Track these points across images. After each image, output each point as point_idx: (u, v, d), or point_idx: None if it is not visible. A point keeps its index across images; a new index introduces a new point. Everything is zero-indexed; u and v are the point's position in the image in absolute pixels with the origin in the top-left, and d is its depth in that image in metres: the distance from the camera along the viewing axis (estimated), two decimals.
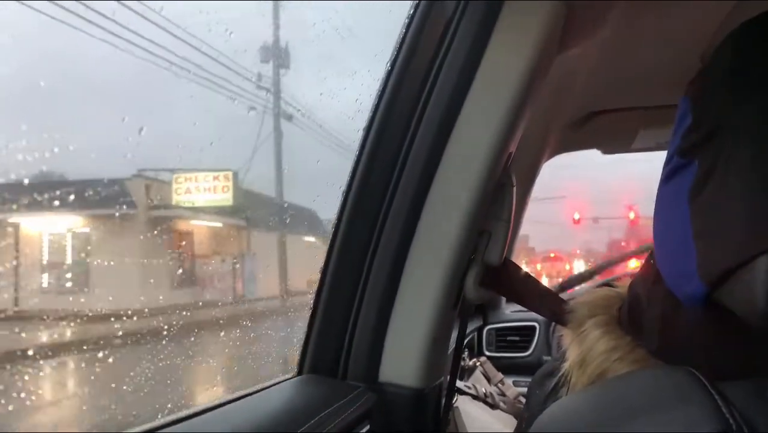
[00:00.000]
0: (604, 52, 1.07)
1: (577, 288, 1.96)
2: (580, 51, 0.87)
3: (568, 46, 0.81)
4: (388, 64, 0.77)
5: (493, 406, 1.09)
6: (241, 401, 0.64)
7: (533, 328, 2.02)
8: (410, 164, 0.74)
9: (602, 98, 1.41)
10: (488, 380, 1.27)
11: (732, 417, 0.35)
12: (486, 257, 0.77)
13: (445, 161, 0.72)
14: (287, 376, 0.77)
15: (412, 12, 0.76)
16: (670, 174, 0.46)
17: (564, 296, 0.79)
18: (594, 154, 1.86)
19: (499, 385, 1.21)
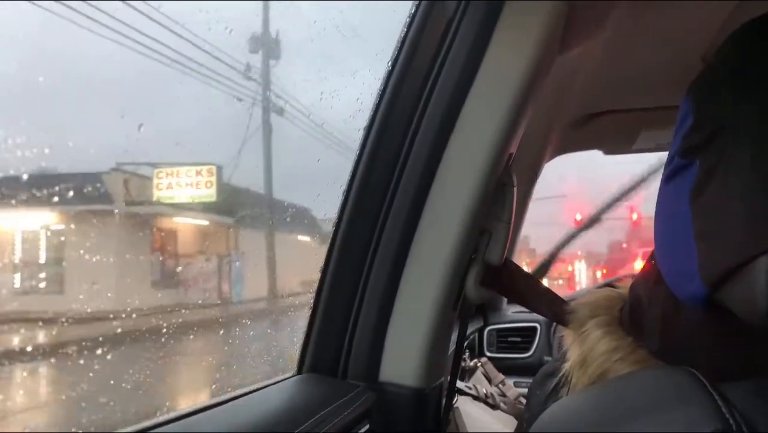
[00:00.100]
0: (605, 52, 1.07)
1: (578, 289, 1.96)
2: (581, 51, 0.87)
3: (570, 46, 0.81)
4: (390, 64, 0.77)
5: (494, 406, 1.09)
6: (240, 400, 0.64)
7: (534, 329, 2.01)
8: (411, 164, 0.74)
9: (604, 99, 1.40)
10: (489, 380, 1.27)
11: (732, 417, 0.35)
12: (487, 257, 0.77)
13: (446, 161, 0.72)
14: (287, 375, 0.77)
15: (413, 11, 0.76)
16: (671, 174, 0.46)
17: (565, 296, 0.79)
18: (595, 154, 1.86)
19: (500, 386, 1.21)
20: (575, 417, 0.45)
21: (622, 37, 1.00)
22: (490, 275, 0.79)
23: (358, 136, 0.78)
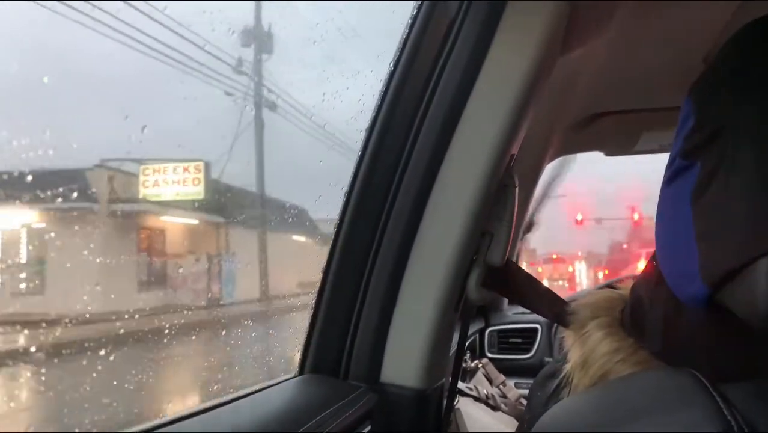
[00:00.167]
0: (607, 53, 1.07)
1: (579, 290, 1.96)
2: (583, 52, 0.87)
3: (572, 47, 0.81)
4: (391, 64, 0.77)
5: (495, 408, 1.09)
6: (242, 400, 0.64)
7: (535, 330, 2.01)
8: (413, 165, 0.74)
9: (605, 100, 1.40)
10: (490, 381, 1.27)
11: (734, 419, 0.35)
12: (488, 258, 0.77)
13: (448, 162, 0.72)
14: (289, 375, 0.77)
15: (415, 12, 0.76)
16: (672, 176, 0.46)
17: (565, 297, 0.79)
18: (597, 154, 1.86)
19: (501, 387, 1.21)
20: (576, 418, 0.45)
21: (624, 38, 1.00)
22: (491, 276, 0.79)
23: (360, 137, 0.78)
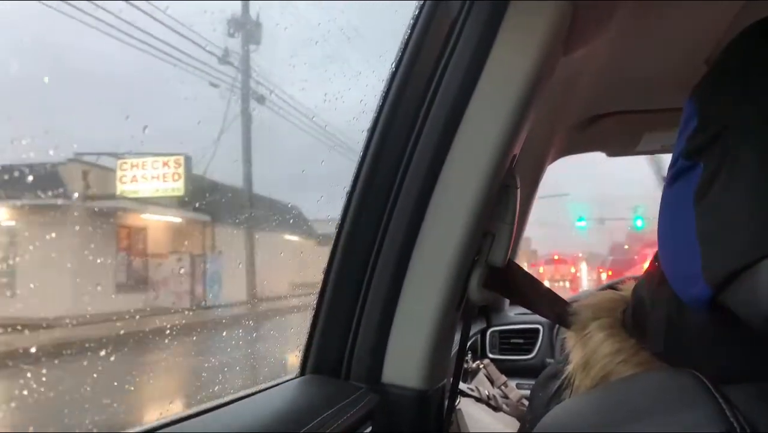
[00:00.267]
0: (609, 53, 1.07)
1: (581, 291, 1.96)
2: (585, 52, 0.87)
3: (574, 47, 0.81)
4: (393, 65, 0.77)
5: (496, 408, 1.09)
6: (243, 401, 0.64)
7: (537, 330, 2.01)
8: (414, 165, 0.74)
9: (607, 100, 1.40)
10: (491, 382, 1.27)
11: (735, 420, 0.35)
12: (490, 259, 0.77)
13: (450, 162, 0.72)
14: (290, 376, 0.77)
15: (417, 12, 0.76)
16: (675, 176, 0.46)
17: (567, 298, 0.79)
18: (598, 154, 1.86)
19: (503, 387, 1.21)
20: (578, 419, 0.45)
21: (626, 39, 1.00)
22: (493, 277, 0.79)
23: (361, 137, 0.78)
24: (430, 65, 0.74)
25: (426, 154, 0.73)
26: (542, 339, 2.00)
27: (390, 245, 0.74)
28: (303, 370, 0.78)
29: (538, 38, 0.69)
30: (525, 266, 0.83)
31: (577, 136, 1.61)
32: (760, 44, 0.42)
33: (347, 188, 0.78)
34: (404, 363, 0.74)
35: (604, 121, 1.50)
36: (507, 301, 2.13)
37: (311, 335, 0.78)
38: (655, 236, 0.50)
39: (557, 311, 0.77)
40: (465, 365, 1.27)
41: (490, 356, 1.99)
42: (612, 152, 1.84)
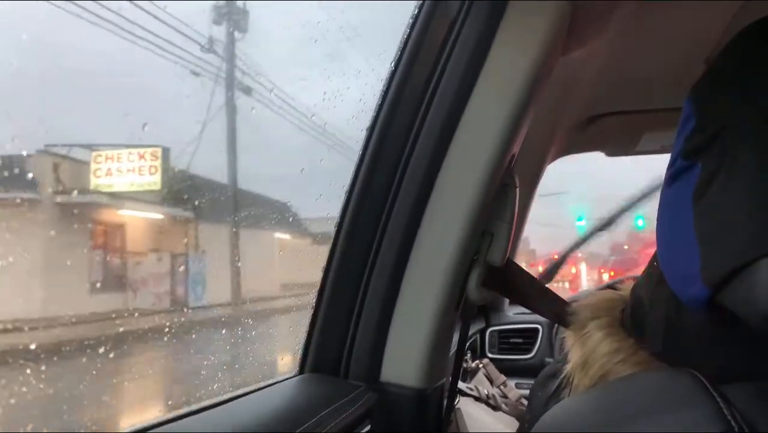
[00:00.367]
0: (609, 53, 1.07)
1: (580, 291, 1.96)
2: (585, 52, 0.87)
3: (573, 47, 0.81)
4: (392, 64, 0.77)
5: (495, 408, 1.09)
6: (242, 399, 0.64)
7: (536, 330, 2.01)
8: (413, 164, 0.74)
9: (607, 100, 1.40)
10: (491, 381, 1.27)
11: (734, 419, 0.35)
12: (489, 258, 0.77)
13: (448, 161, 0.72)
14: (289, 374, 0.77)
15: (416, 12, 0.76)
16: (673, 176, 0.46)
17: (566, 297, 0.79)
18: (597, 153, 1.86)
19: (502, 387, 1.21)
20: (577, 418, 0.45)
21: (625, 39, 1.00)
22: (491, 276, 0.79)
23: (360, 136, 0.78)
24: (429, 65, 0.74)
25: (425, 154, 0.73)
26: (541, 339, 2.00)
27: (389, 244, 0.74)
28: (302, 368, 0.78)
29: (537, 38, 0.69)
30: (523, 267, 0.83)
31: (577, 136, 1.61)
32: (758, 44, 0.42)
33: (346, 187, 0.78)
34: (403, 362, 0.74)
35: (603, 121, 1.50)
36: (506, 300, 2.13)
37: (310, 333, 0.78)
38: (653, 236, 0.50)
39: (556, 310, 0.77)
40: (464, 365, 1.28)
41: (490, 355, 1.99)
42: (611, 152, 1.84)
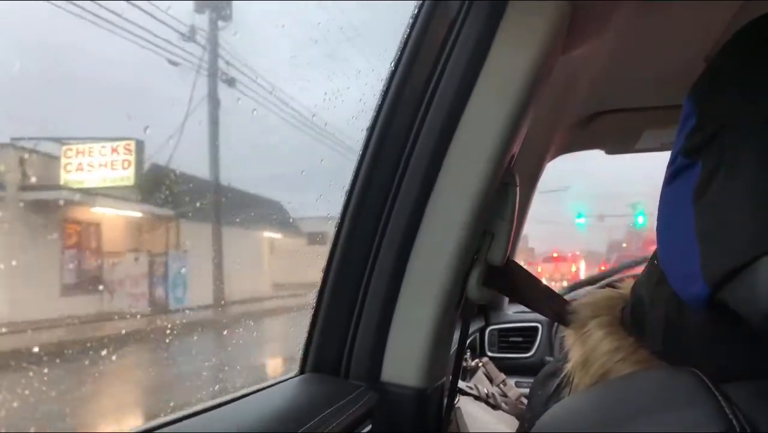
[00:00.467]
0: (609, 52, 1.07)
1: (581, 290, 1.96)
2: (585, 51, 0.87)
3: (573, 46, 0.81)
4: (392, 64, 0.77)
5: (495, 407, 1.09)
6: (243, 400, 0.64)
7: (536, 329, 2.01)
8: (413, 164, 0.74)
9: (607, 98, 1.40)
10: (490, 380, 1.27)
11: (735, 418, 0.35)
12: (489, 257, 0.77)
13: (449, 161, 0.72)
14: (289, 374, 0.77)
15: (416, 12, 0.76)
16: (673, 175, 0.46)
17: (567, 297, 0.79)
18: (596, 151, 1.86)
19: (501, 386, 1.21)
20: (577, 417, 0.45)
21: (625, 37, 1.00)
22: (492, 275, 0.79)
23: (361, 136, 0.78)
24: (429, 65, 0.74)
25: (425, 154, 0.73)
26: (541, 337, 2.00)
27: (389, 244, 0.75)
28: (303, 368, 0.78)
29: (537, 38, 0.69)
30: (522, 264, 0.84)
31: (577, 134, 1.61)
32: (758, 43, 0.42)
33: (346, 187, 0.78)
34: (403, 362, 0.74)
35: (603, 119, 1.50)
36: (506, 299, 2.13)
37: (311, 333, 0.78)
38: (654, 234, 0.50)
39: (556, 309, 0.77)
40: (464, 364, 1.28)
41: (489, 354, 1.99)
42: (611, 150, 1.84)
